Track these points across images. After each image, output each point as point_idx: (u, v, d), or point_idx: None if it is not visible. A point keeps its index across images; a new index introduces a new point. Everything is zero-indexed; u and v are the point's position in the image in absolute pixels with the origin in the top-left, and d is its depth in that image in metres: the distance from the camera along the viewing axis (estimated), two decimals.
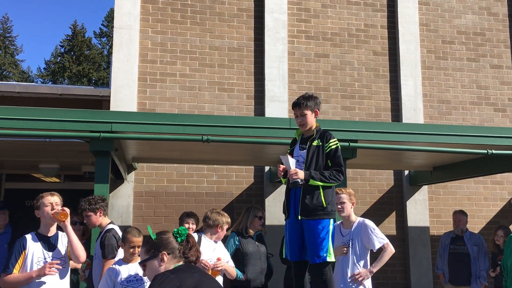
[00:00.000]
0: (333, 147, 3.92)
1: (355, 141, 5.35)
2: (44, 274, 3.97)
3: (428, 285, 8.23)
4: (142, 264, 2.65)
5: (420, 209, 8.42)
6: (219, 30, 8.37)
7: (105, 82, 37.96)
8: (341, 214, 4.81)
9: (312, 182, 3.80)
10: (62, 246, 4.21)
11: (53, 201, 4.13)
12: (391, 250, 4.94)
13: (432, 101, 8.81)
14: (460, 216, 6.88)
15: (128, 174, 7.58)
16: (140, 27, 8.07)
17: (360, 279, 4.79)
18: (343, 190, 4.89)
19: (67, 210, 4.13)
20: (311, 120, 4.02)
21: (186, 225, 5.48)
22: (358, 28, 8.79)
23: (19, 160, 6.90)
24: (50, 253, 4.07)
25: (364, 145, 5.40)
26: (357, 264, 4.88)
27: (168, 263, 2.57)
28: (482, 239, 6.84)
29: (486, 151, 5.56)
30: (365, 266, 4.91)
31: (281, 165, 3.98)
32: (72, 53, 41.44)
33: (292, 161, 3.87)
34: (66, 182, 8.61)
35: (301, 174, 3.78)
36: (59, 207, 4.14)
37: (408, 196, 8.44)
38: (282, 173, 3.98)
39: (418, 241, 8.33)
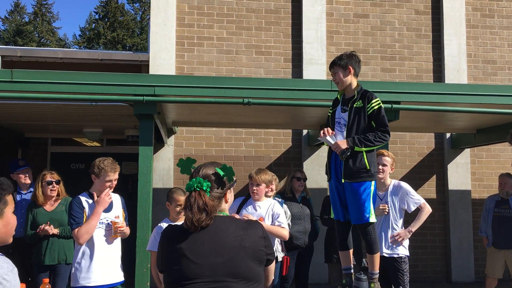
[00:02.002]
0: (375, 107, 3.83)
1: (398, 102, 5.24)
2: (105, 202, 4.08)
3: (469, 249, 8.17)
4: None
5: (462, 173, 8.27)
6: None
7: (139, 48, 38.20)
8: (379, 176, 4.76)
9: (357, 149, 3.74)
10: (116, 209, 4.29)
11: (113, 179, 4.17)
12: (428, 209, 4.91)
13: (476, 61, 8.49)
14: (506, 178, 6.70)
15: (168, 138, 7.71)
16: None
17: (399, 239, 4.80)
18: (388, 153, 4.84)
19: (121, 224, 4.19)
20: (344, 78, 3.92)
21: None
22: None
23: (64, 124, 7.10)
24: (106, 214, 4.17)
25: (407, 107, 5.28)
26: (395, 225, 4.88)
27: None
28: None
29: None
30: (402, 227, 4.92)
31: (325, 133, 3.88)
32: (106, 19, 41.69)
33: (332, 138, 3.81)
34: (108, 145, 8.83)
35: (343, 144, 3.72)
36: (116, 182, 4.21)
37: (449, 159, 8.28)
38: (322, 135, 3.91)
39: (459, 204, 8.22)
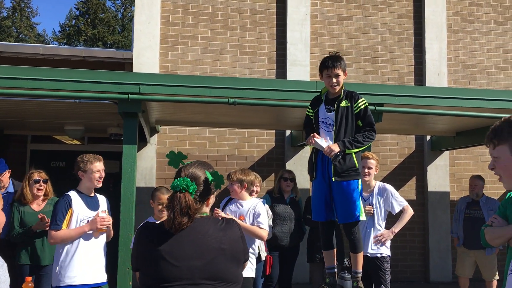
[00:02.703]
0: (362, 107, 3.88)
1: (381, 104, 5.32)
2: (96, 229, 4.04)
3: (447, 249, 8.32)
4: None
5: (441, 174, 8.42)
6: None
7: (120, 46, 37.82)
8: (365, 179, 4.82)
9: (348, 151, 3.78)
10: (103, 208, 4.26)
11: (100, 168, 4.15)
12: (411, 211, 5.03)
13: (456, 65, 8.67)
14: (476, 180, 6.87)
15: (151, 137, 7.67)
16: None
17: (383, 240, 4.89)
18: (373, 155, 4.90)
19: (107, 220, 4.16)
20: (343, 81, 3.97)
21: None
22: None
23: (45, 121, 7.01)
24: (94, 213, 4.14)
25: (390, 109, 5.37)
26: (379, 225, 4.97)
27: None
28: (498, 203, 6.84)
29: None
30: (384, 228, 5.01)
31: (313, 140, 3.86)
32: (86, 16, 41.18)
33: (322, 142, 3.81)
34: (89, 144, 8.73)
35: (335, 148, 3.74)
36: (104, 173, 4.18)
37: (429, 161, 8.43)
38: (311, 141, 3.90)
39: (438, 206, 8.37)
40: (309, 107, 4.12)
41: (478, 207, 6.64)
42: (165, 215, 4.20)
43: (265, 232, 4.52)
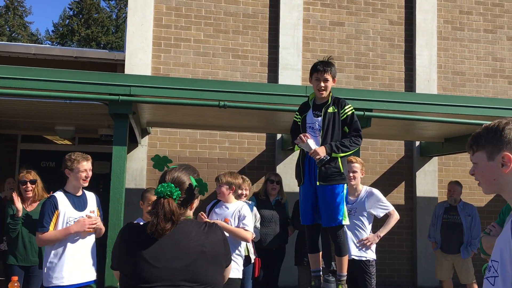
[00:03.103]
0: (349, 113, 3.94)
1: (370, 110, 5.38)
2: (83, 230, 4.04)
3: (434, 254, 8.36)
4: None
5: (430, 180, 8.50)
6: None
7: (114, 46, 37.74)
8: (351, 183, 4.87)
9: (334, 155, 3.83)
10: (91, 206, 4.27)
11: (87, 168, 4.15)
12: (397, 216, 5.07)
13: (446, 72, 8.76)
14: (454, 186, 6.96)
15: (142, 138, 7.68)
16: None
17: (368, 243, 4.93)
18: (357, 159, 4.95)
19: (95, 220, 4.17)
20: (330, 87, 4.03)
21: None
22: None
23: (36, 121, 7.00)
24: (81, 213, 4.14)
25: (379, 115, 5.43)
26: (364, 229, 5.01)
27: None
28: (475, 209, 6.94)
29: None
30: (370, 231, 5.05)
31: (302, 140, 3.90)
32: (80, 16, 41.05)
33: (311, 143, 3.86)
34: (80, 144, 8.72)
35: (321, 151, 3.79)
36: (91, 173, 4.18)
37: (418, 167, 8.51)
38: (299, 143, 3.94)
39: (426, 211, 8.44)
40: (297, 113, 4.18)
41: (456, 212, 6.74)
42: None
43: (249, 234, 4.54)
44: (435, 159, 8.56)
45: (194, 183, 2.20)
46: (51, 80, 4.76)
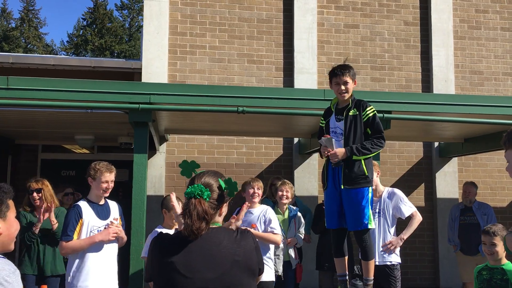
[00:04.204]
0: (370, 115, 3.92)
1: (389, 112, 5.35)
2: (108, 239, 4.08)
3: (456, 256, 8.27)
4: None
5: (450, 181, 8.41)
6: (248, 1, 8.33)
7: (127, 55, 38.13)
8: None
9: (355, 157, 3.81)
10: (114, 215, 4.30)
11: (109, 179, 4.18)
12: (419, 217, 5.02)
13: (464, 72, 8.68)
14: (470, 187, 6.87)
15: (160, 145, 7.74)
16: None
17: (392, 247, 4.88)
18: None
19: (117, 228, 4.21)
20: (352, 88, 4.02)
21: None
22: None
23: (56, 131, 7.09)
24: (104, 222, 4.17)
25: (398, 116, 5.39)
26: (387, 232, 4.96)
27: None
28: (491, 208, 6.87)
29: None
30: (394, 234, 5.00)
31: (325, 150, 3.92)
32: (94, 26, 41.56)
33: (333, 143, 3.86)
34: (99, 152, 8.81)
35: (340, 153, 3.79)
36: (113, 184, 4.22)
37: (437, 168, 8.42)
38: (326, 155, 3.95)
39: (447, 212, 8.29)
40: (322, 118, 4.20)
41: (472, 213, 6.68)
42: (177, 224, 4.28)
43: (279, 237, 4.55)
44: (454, 160, 8.46)
45: (223, 185, 2.20)
46: (72, 90, 4.83)
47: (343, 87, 3.97)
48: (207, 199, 2.11)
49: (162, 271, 2.08)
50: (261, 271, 2.21)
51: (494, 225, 4.01)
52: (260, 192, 4.72)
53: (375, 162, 4.92)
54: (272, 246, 4.69)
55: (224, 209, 2.25)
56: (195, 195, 2.10)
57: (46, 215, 4.90)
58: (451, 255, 8.26)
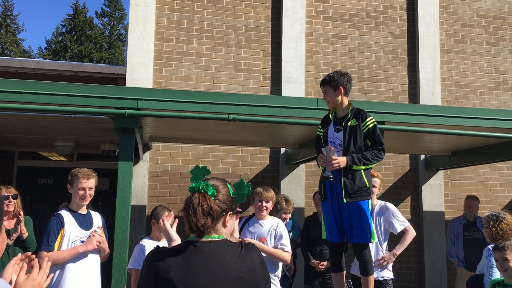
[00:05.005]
0: (370, 126, 3.82)
1: (383, 123, 5.25)
2: (92, 248, 3.88)
3: (442, 270, 8.22)
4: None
5: (436, 194, 8.37)
6: (236, 9, 8.22)
7: (107, 63, 37.65)
8: None
9: (355, 167, 3.70)
10: (97, 225, 4.11)
11: (86, 186, 3.98)
12: (413, 232, 4.92)
13: (450, 85, 8.70)
14: (474, 202, 6.78)
15: (143, 154, 7.50)
16: (156, 4, 7.92)
17: (384, 263, 4.77)
18: (378, 174, 4.83)
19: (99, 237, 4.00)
20: (334, 98, 3.91)
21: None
22: (377, 9, 8.64)
23: (35, 137, 6.80)
24: (87, 232, 3.97)
25: (392, 127, 5.31)
26: (380, 247, 4.85)
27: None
28: None
29: None
30: (386, 249, 4.89)
31: (323, 158, 3.82)
32: (73, 33, 41.02)
33: (333, 152, 3.75)
34: (78, 160, 8.51)
35: (342, 161, 3.67)
36: (92, 192, 4.03)
37: (423, 180, 8.38)
38: (322, 162, 3.84)
39: (433, 226, 8.29)
40: (319, 126, 4.08)
41: (476, 228, 6.55)
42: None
43: (289, 256, 4.28)
44: (440, 173, 8.44)
45: (231, 191, 2.06)
46: (55, 93, 4.59)
47: (323, 96, 3.99)
48: (212, 196, 1.98)
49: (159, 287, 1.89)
50: None
51: (504, 240, 3.90)
52: (270, 205, 4.46)
53: (381, 177, 4.82)
54: (281, 264, 4.42)
55: (229, 221, 2.07)
56: (199, 189, 1.97)
57: (21, 224, 4.65)
58: (436, 269, 8.21)
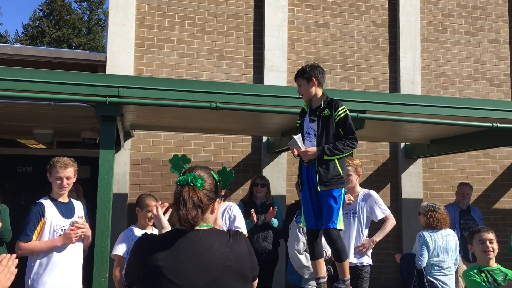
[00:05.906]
0: (342, 115, 3.89)
1: (363, 111, 5.31)
2: (70, 242, 3.85)
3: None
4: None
5: (415, 182, 8.52)
6: None
7: (86, 48, 36.98)
8: (347, 186, 4.81)
9: (326, 157, 3.77)
10: (78, 214, 4.08)
11: (64, 176, 3.94)
12: (393, 221, 5.04)
13: (430, 74, 8.81)
14: (468, 189, 6.67)
15: (125, 142, 7.45)
16: None
17: (363, 250, 4.87)
18: (349, 161, 4.89)
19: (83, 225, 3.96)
20: (308, 89, 3.99)
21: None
22: None
23: (13, 124, 6.68)
24: (68, 221, 3.95)
25: (373, 116, 5.36)
26: (361, 234, 4.94)
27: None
28: (481, 213, 6.87)
29: (491, 124, 5.60)
30: (367, 236, 4.99)
31: (294, 149, 3.90)
32: (51, 17, 40.09)
33: (301, 142, 3.84)
34: (58, 148, 8.40)
35: (312, 152, 3.77)
36: (70, 181, 3.98)
37: (403, 169, 8.51)
38: (297, 154, 3.91)
39: (411, 213, 8.44)
40: (298, 117, 4.15)
41: (471, 216, 6.53)
42: (151, 223, 4.09)
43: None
44: (419, 161, 8.58)
45: (216, 178, 2.09)
46: (35, 80, 4.51)
47: (298, 89, 4.08)
48: (200, 188, 2.00)
49: (147, 275, 1.90)
50: (255, 277, 2.06)
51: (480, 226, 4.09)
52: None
53: (358, 163, 4.89)
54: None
55: (216, 208, 2.11)
56: (188, 182, 1.99)
57: None
58: None
